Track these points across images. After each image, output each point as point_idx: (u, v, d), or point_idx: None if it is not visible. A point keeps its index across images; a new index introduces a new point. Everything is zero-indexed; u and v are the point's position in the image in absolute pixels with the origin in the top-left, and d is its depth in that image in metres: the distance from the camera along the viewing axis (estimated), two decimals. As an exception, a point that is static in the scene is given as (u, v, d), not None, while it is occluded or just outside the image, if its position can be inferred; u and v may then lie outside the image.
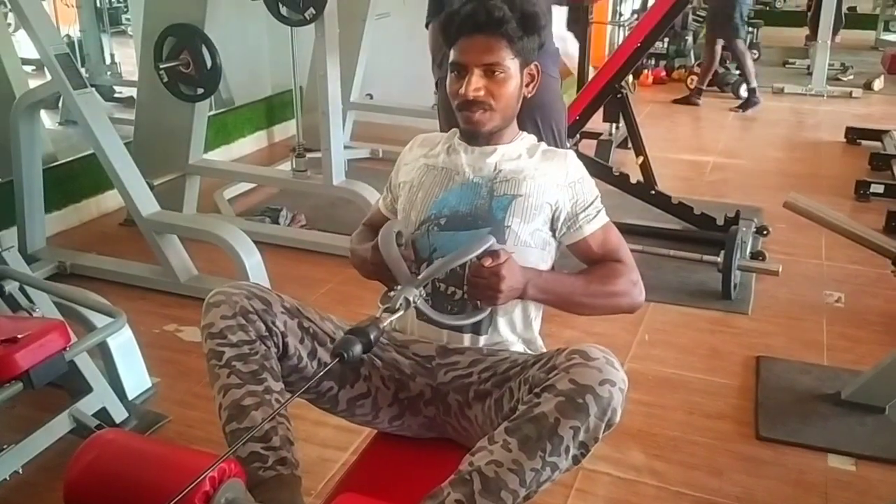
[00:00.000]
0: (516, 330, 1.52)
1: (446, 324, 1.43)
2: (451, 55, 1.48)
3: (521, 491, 1.18)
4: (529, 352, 1.53)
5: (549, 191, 1.49)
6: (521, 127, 1.61)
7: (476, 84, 1.43)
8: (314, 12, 3.17)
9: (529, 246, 1.48)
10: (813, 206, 2.43)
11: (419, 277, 1.36)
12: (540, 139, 1.83)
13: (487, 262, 1.32)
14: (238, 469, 1.02)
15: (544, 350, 1.56)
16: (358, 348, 1.18)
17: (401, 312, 1.28)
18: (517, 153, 1.54)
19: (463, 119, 1.50)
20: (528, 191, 1.48)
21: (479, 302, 1.38)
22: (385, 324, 1.24)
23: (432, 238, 1.49)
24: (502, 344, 1.51)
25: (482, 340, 1.49)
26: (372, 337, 1.20)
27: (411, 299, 1.30)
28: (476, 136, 1.52)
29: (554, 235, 1.52)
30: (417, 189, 1.55)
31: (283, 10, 3.28)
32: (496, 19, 1.42)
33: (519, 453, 1.18)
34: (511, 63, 1.45)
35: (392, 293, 1.32)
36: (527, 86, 1.52)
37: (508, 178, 1.50)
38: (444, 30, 1.50)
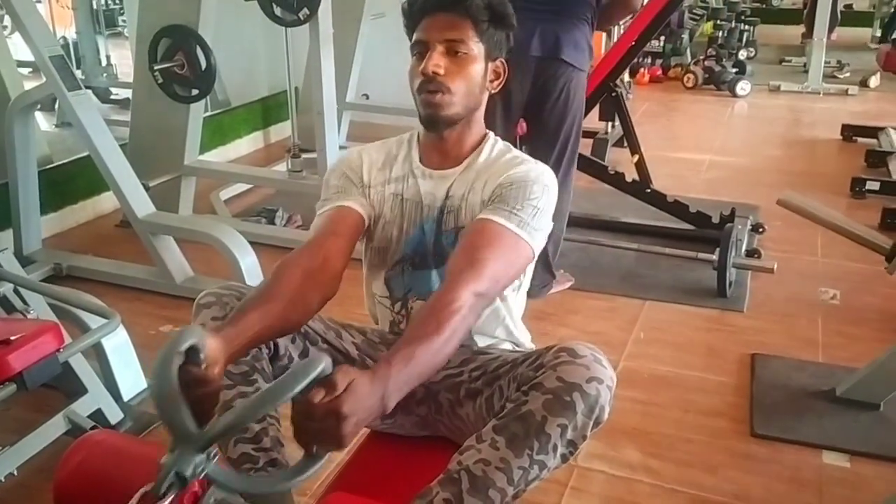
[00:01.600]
0: (503, 327, 1.52)
1: (266, 491, 1.02)
2: (414, 35, 1.40)
3: (509, 489, 1.18)
4: (518, 349, 1.52)
5: (481, 206, 1.39)
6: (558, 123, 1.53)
7: (436, 60, 1.35)
8: (308, 13, 3.18)
9: None
10: (807, 203, 2.44)
11: (209, 431, 0.91)
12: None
13: (318, 398, 0.96)
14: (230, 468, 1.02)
15: (533, 346, 1.56)
16: None
17: (168, 499, 0.88)
18: (472, 174, 1.44)
19: (421, 102, 1.40)
20: (466, 218, 1.40)
21: (315, 449, 0.98)
22: None
23: (407, 278, 1.47)
24: (492, 343, 1.50)
25: (470, 341, 1.49)
26: None
27: (190, 472, 0.89)
28: (436, 124, 1.41)
29: None
30: (391, 226, 1.48)
31: (277, 11, 3.29)
32: None
33: (506, 451, 1.18)
34: (475, 45, 1.38)
35: (165, 458, 0.90)
36: (491, 81, 1.45)
37: (453, 207, 1.43)
38: (406, 13, 1.42)
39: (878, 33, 8.91)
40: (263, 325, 1.21)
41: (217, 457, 0.92)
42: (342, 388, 0.97)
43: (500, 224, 1.32)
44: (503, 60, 1.46)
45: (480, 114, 1.48)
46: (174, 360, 0.96)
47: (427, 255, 1.46)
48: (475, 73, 1.40)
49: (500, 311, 1.51)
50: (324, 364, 0.95)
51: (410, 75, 1.41)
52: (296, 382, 0.92)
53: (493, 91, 1.47)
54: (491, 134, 1.52)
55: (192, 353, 1.00)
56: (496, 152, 1.48)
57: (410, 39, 1.42)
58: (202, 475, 0.90)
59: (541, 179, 1.39)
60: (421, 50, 1.39)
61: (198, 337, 1.01)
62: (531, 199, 1.35)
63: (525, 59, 2.61)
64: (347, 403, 0.96)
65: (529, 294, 1.59)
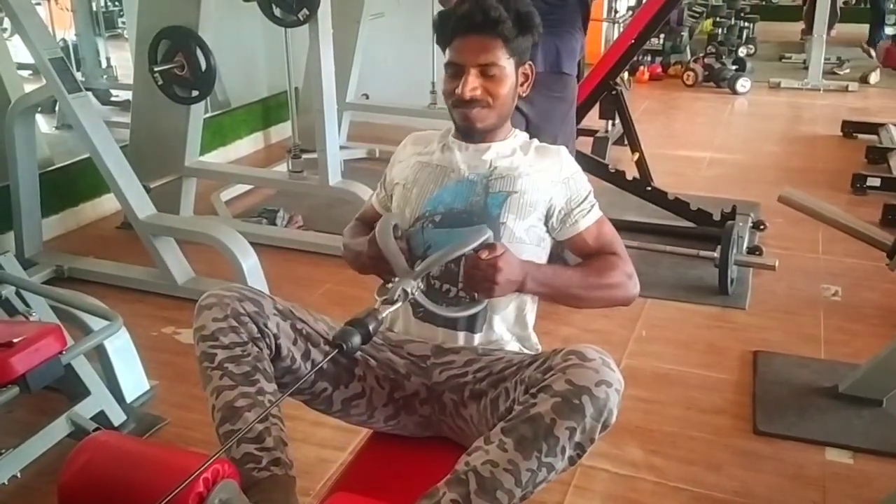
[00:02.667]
0: (511, 328, 1.53)
1: (443, 315, 1.43)
2: (447, 55, 1.48)
3: (516, 491, 1.18)
4: (525, 350, 1.53)
5: (543, 187, 1.50)
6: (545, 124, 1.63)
7: (472, 84, 1.44)
8: (307, 13, 3.17)
9: (524, 242, 1.48)
10: (807, 200, 2.44)
11: (416, 269, 1.36)
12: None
13: (484, 255, 1.32)
14: (232, 470, 1.02)
15: (539, 348, 1.56)
16: (357, 339, 1.18)
17: (399, 304, 1.29)
18: (511, 150, 1.55)
19: (459, 116, 1.51)
20: (522, 187, 1.49)
21: (476, 294, 1.38)
22: (384, 315, 1.24)
23: (427, 235, 1.49)
24: (497, 343, 1.51)
25: (477, 339, 1.50)
26: (371, 328, 1.20)
27: (409, 290, 1.30)
28: (472, 133, 1.52)
29: (548, 231, 1.53)
30: (412, 186, 1.55)
31: (277, 12, 3.29)
32: (492, 20, 1.42)
33: (515, 453, 1.18)
34: (506, 63, 1.46)
35: (389, 285, 1.32)
36: (521, 85, 1.53)
37: (504, 174, 1.50)
38: (438, 29, 1.50)
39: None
40: None
41: (421, 286, 1.33)
42: (501, 251, 1.33)
43: (601, 221, 1.55)
44: (531, 63, 1.53)
45: (510, 116, 1.56)
46: (391, 227, 1.42)
47: (452, 212, 1.49)
48: (508, 87, 1.49)
49: (509, 312, 1.53)
50: (489, 233, 1.36)
51: (445, 92, 1.50)
52: (470, 242, 1.34)
53: (523, 94, 1.55)
54: (516, 129, 1.60)
55: (395, 228, 1.45)
56: (524, 140, 1.60)
57: (443, 53, 1.50)
58: (415, 293, 1.30)
59: (578, 168, 1.57)
60: (455, 71, 1.47)
61: (398, 219, 1.48)
62: (587, 185, 1.56)
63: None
64: (503, 260, 1.33)
65: None
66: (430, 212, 1.50)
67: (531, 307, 1.56)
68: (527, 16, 1.47)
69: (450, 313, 1.43)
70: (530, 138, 1.61)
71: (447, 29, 1.47)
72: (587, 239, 1.53)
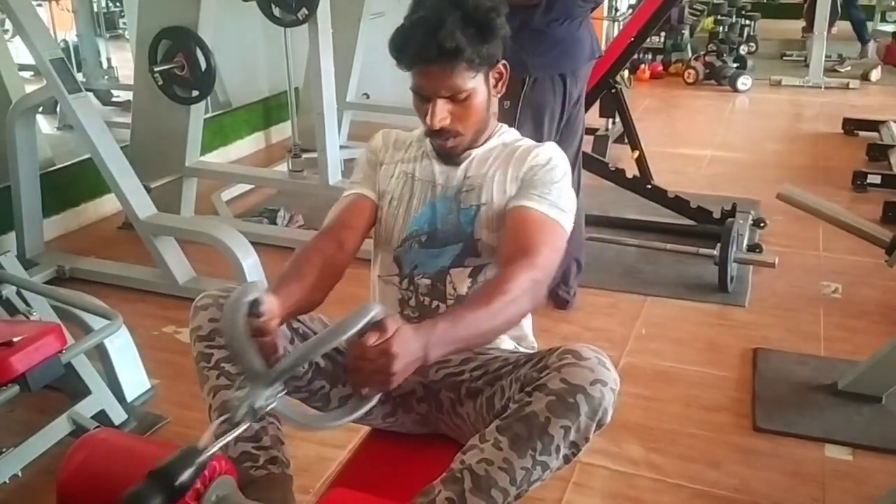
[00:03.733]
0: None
1: (321, 427, 1.20)
2: (411, 79, 1.39)
3: (511, 489, 1.19)
4: (521, 349, 1.52)
5: (508, 189, 1.43)
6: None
7: (441, 114, 1.37)
8: (307, 12, 3.18)
9: None
10: (806, 197, 2.44)
11: (276, 369, 1.03)
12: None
13: (372, 340, 1.06)
14: (229, 466, 1.03)
15: (536, 346, 1.56)
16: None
17: (242, 428, 0.99)
18: (488, 155, 1.48)
19: (433, 145, 1.47)
20: (489, 197, 1.43)
21: (365, 390, 1.09)
22: (211, 451, 0.96)
23: (414, 255, 1.48)
24: (493, 342, 1.50)
25: None
26: (180, 481, 0.89)
27: (258, 406, 1.00)
28: (451, 158, 1.48)
29: None
30: (398, 203, 1.51)
31: (276, 11, 3.30)
32: (449, 51, 1.31)
33: (510, 452, 1.18)
34: (474, 82, 1.37)
35: (237, 391, 1.01)
36: (495, 87, 1.44)
37: (473, 186, 1.45)
38: (395, 55, 1.37)
39: (879, 27, 8.91)
40: (300, 297, 1.31)
41: (282, 392, 1.03)
42: (392, 331, 1.06)
43: (535, 209, 1.38)
44: (503, 62, 1.44)
45: (492, 117, 1.49)
46: (241, 309, 1.08)
47: (436, 232, 1.47)
48: (480, 105, 1.41)
49: None
50: (376, 310, 1.06)
51: (417, 112, 1.43)
52: (351, 325, 1.03)
53: (498, 95, 1.47)
54: (503, 125, 1.55)
55: (255, 305, 1.12)
56: (510, 138, 1.53)
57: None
58: (269, 407, 1.01)
59: (559, 162, 1.45)
60: (421, 99, 1.40)
61: (259, 292, 1.13)
62: (555, 181, 1.42)
63: (587, 67, 2.67)
64: (397, 344, 1.06)
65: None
66: (417, 231, 1.48)
67: None
68: (487, 23, 1.34)
69: (329, 423, 1.13)
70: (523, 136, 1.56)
71: (403, 59, 1.36)
72: (517, 218, 1.38)
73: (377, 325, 1.06)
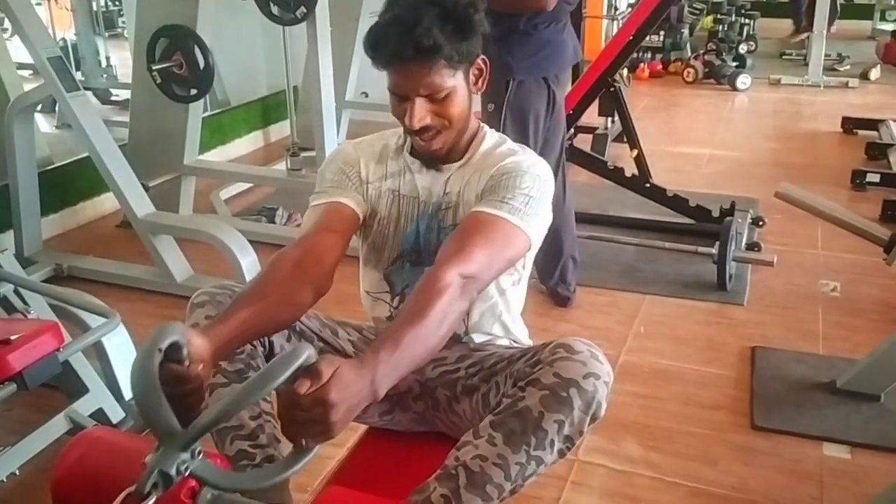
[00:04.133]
0: (500, 323, 1.52)
1: (260, 486, 0.94)
2: (388, 79, 1.33)
3: (506, 485, 1.18)
4: (516, 345, 1.52)
5: (476, 201, 1.37)
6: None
7: (420, 114, 1.32)
8: (305, 11, 3.18)
9: None
10: (804, 195, 2.44)
11: (192, 428, 0.89)
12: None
13: (304, 388, 0.94)
14: (225, 465, 1.02)
15: (531, 343, 1.56)
16: None
17: (152, 500, 0.85)
18: (468, 168, 1.44)
19: (415, 144, 1.41)
20: (463, 214, 1.39)
21: (304, 442, 0.95)
22: None
23: (406, 275, 1.47)
24: (489, 339, 1.50)
25: (463, 339, 1.48)
26: None
27: (174, 471, 0.86)
28: (432, 158, 1.43)
29: None
30: (388, 223, 1.47)
31: (275, 10, 3.29)
32: (426, 50, 1.26)
33: (504, 447, 1.18)
34: (453, 80, 1.32)
35: (147, 457, 0.88)
36: (475, 84, 1.39)
37: (450, 203, 1.42)
38: (370, 54, 1.32)
39: (879, 26, 8.90)
40: (254, 322, 1.20)
41: (201, 455, 0.89)
42: (327, 375, 0.95)
43: (490, 213, 1.31)
44: (483, 58, 1.39)
45: (471, 115, 1.44)
46: (154, 357, 0.94)
47: (420, 252, 1.45)
48: (460, 102, 1.36)
49: (497, 307, 1.50)
50: (307, 353, 0.93)
51: (395, 116, 1.37)
52: (279, 373, 0.90)
53: (479, 91, 1.41)
54: (485, 126, 1.50)
55: (175, 350, 0.99)
56: (491, 145, 1.46)
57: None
58: (187, 473, 0.87)
59: (532, 170, 1.37)
60: (399, 99, 1.34)
61: (179, 334, 0.99)
62: (522, 187, 1.34)
63: (569, 71, 2.68)
64: (334, 391, 0.95)
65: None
66: (407, 250, 1.47)
67: (511, 301, 1.51)
68: (466, 19, 1.30)
69: (266, 481, 0.93)
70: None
71: (380, 59, 1.31)
72: (464, 222, 1.34)
73: (309, 371, 0.94)
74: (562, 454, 1.21)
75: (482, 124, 1.50)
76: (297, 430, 0.95)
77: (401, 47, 1.26)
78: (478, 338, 1.50)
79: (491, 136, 1.49)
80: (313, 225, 1.40)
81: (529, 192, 1.34)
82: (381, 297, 1.53)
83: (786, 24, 8.86)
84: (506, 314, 1.52)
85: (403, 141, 1.50)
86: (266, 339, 1.39)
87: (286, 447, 1.35)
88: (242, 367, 1.35)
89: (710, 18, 7.80)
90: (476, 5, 1.32)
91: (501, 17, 2.28)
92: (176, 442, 0.88)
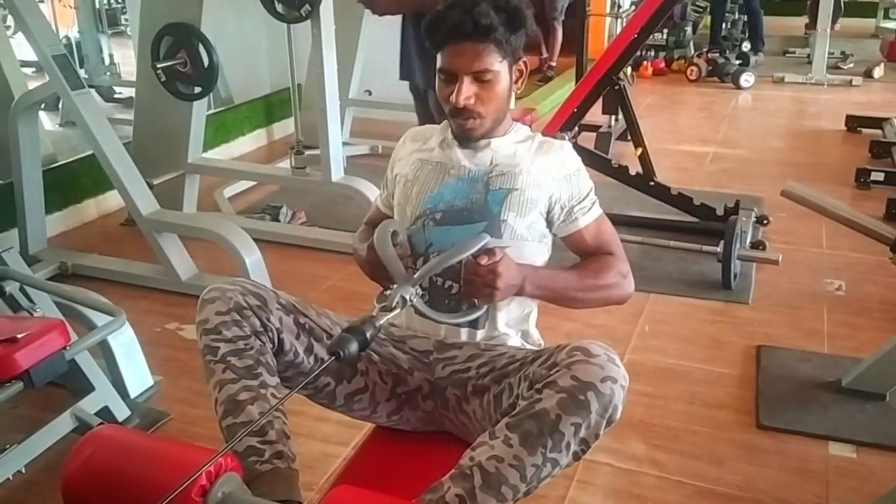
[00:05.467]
0: (514, 324, 1.52)
1: (444, 322, 1.43)
2: (439, 61, 1.46)
3: (521, 486, 1.19)
4: (527, 346, 1.53)
5: (545, 184, 1.48)
6: None
7: (467, 92, 1.42)
8: (309, 9, 3.18)
9: (526, 239, 1.47)
10: (810, 194, 2.43)
11: (415, 276, 1.35)
12: None
13: (484, 261, 1.32)
14: (235, 463, 1.03)
15: (542, 343, 1.57)
16: (354, 346, 1.17)
17: (397, 311, 1.28)
18: (512, 146, 1.52)
19: (455, 126, 1.50)
20: (523, 184, 1.47)
21: (475, 300, 1.37)
22: (381, 321, 1.23)
23: (428, 233, 1.49)
24: (500, 338, 1.51)
25: (479, 335, 1.49)
26: (368, 335, 1.19)
27: (407, 297, 1.30)
28: (469, 141, 1.51)
29: (550, 228, 1.52)
30: (412, 183, 1.54)
31: (279, 7, 3.29)
32: (484, 27, 1.39)
33: (520, 449, 1.18)
34: (500, 66, 1.43)
35: (388, 292, 1.32)
36: (516, 82, 1.50)
37: (504, 171, 1.49)
38: (429, 34, 1.46)
39: (883, 24, 8.89)
40: None
41: (420, 293, 1.33)
42: (500, 256, 1.33)
43: (594, 221, 1.53)
44: (524, 59, 1.50)
45: (508, 114, 1.53)
46: (388, 234, 1.39)
47: (453, 210, 1.48)
48: (503, 91, 1.46)
49: (529, 308, 1.55)
50: (487, 238, 1.36)
51: (440, 97, 1.48)
52: (469, 248, 1.34)
53: (518, 91, 1.55)
54: (516, 123, 1.58)
55: (394, 235, 1.41)
56: (524, 133, 1.57)
57: (434, 55, 1.47)
58: (413, 300, 1.31)
59: (580, 163, 1.55)
60: (448, 77, 1.44)
61: (396, 226, 1.45)
62: (588, 182, 1.55)
63: None
64: (502, 265, 1.33)
65: None
66: (431, 209, 1.50)
67: (532, 303, 1.56)
68: (517, 12, 1.43)
69: (450, 320, 1.43)
70: (532, 132, 1.60)
71: (438, 37, 1.44)
72: (586, 237, 1.52)
73: (488, 251, 1.34)
74: (577, 457, 1.22)
75: (515, 121, 1.58)
76: (474, 290, 1.35)
77: (461, 23, 1.39)
78: (489, 336, 1.50)
79: (522, 128, 1.58)
80: (371, 218, 1.70)
81: (591, 184, 1.56)
82: (404, 261, 1.55)
83: (788, 23, 8.86)
84: (519, 314, 1.53)
85: (445, 130, 1.58)
86: (276, 335, 1.41)
87: (295, 444, 1.37)
88: (252, 363, 1.36)
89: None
90: (524, 4, 1.45)
91: None
92: (407, 282, 1.32)
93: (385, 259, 1.38)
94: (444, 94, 1.46)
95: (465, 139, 1.51)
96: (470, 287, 1.35)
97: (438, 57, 1.46)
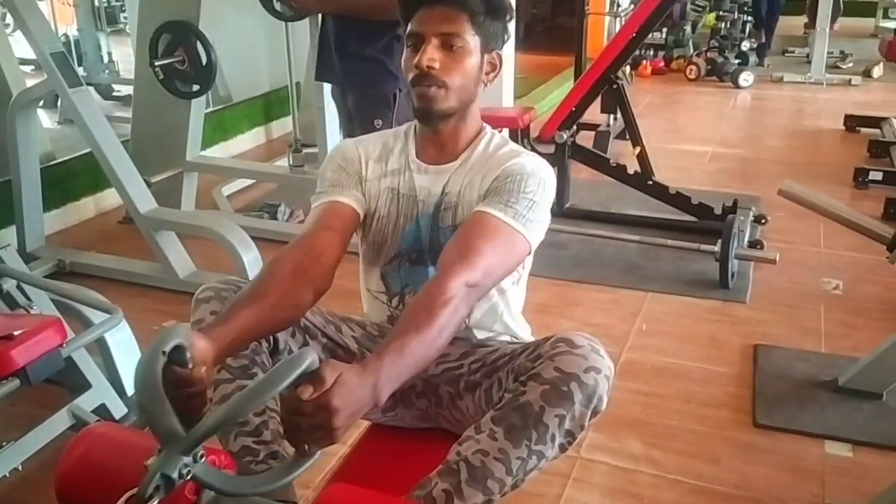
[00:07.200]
0: (501, 319, 1.51)
1: (256, 493, 0.94)
2: (409, 26, 1.38)
3: (507, 479, 1.19)
4: (517, 340, 1.52)
5: (478, 201, 1.37)
6: None
7: (431, 54, 1.33)
8: (308, 7, 3.16)
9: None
10: (807, 193, 2.44)
11: (195, 432, 0.89)
12: None
13: (307, 394, 0.95)
14: (229, 462, 1.02)
15: (532, 337, 1.56)
16: None
17: (155, 502, 0.86)
18: (467, 168, 1.43)
19: (416, 95, 1.38)
20: (463, 215, 1.39)
21: (307, 447, 0.96)
22: None
23: (403, 274, 1.46)
24: (491, 336, 1.50)
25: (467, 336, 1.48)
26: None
27: (176, 475, 0.87)
28: (430, 118, 1.39)
29: None
30: (386, 221, 1.47)
31: (277, 6, 3.29)
32: None
33: (505, 442, 1.18)
34: (471, 38, 1.36)
35: (149, 460, 0.88)
36: (487, 73, 1.42)
37: (450, 204, 1.42)
38: (402, 1, 1.39)
39: (882, 23, 8.89)
40: (254, 322, 1.20)
41: (203, 458, 0.90)
42: (331, 381, 0.96)
43: (494, 216, 1.31)
44: (499, 53, 1.44)
45: (476, 107, 1.45)
46: (158, 360, 0.96)
47: (423, 251, 1.45)
48: (470, 67, 1.37)
49: (498, 307, 1.50)
50: (310, 359, 0.93)
51: (405, 66, 1.39)
52: (282, 378, 0.91)
53: (487, 84, 1.44)
54: (487, 127, 1.50)
55: (178, 352, 1.00)
56: (493, 146, 1.46)
57: (405, 29, 1.40)
58: (189, 477, 0.88)
59: (537, 173, 1.38)
60: (416, 42, 1.36)
61: (182, 337, 1.00)
62: (527, 191, 1.34)
63: None
64: (337, 397, 0.95)
65: None
66: (406, 249, 1.46)
67: (511, 300, 1.52)
68: (499, 1, 1.38)
69: (266, 486, 0.93)
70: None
71: (410, 2, 1.38)
72: (467, 222, 1.34)
73: (312, 376, 0.95)
74: (563, 449, 1.22)
75: (486, 125, 1.50)
76: (300, 435, 0.96)
77: None
78: (480, 335, 1.50)
79: (493, 138, 1.48)
80: (312, 224, 1.40)
81: (533, 197, 1.35)
82: (379, 297, 1.53)
83: (787, 22, 8.85)
84: (507, 314, 1.52)
85: (404, 142, 1.50)
86: (270, 335, 1.39)
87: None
88: (247, 362, 1.35)
89: (712, 15, 7.78)
90: (506, 2, 1.40)
91: (384, 28, 2.22)
92: (178, 446, 0.88)
93: (141, 403, 0.94)
94: (409, 63, 1.36)
95: (427, 115, 1.39)
96: (294, 432, 0.97)
97: (409, 25, 1.38)
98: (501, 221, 1.31)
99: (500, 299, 1.49)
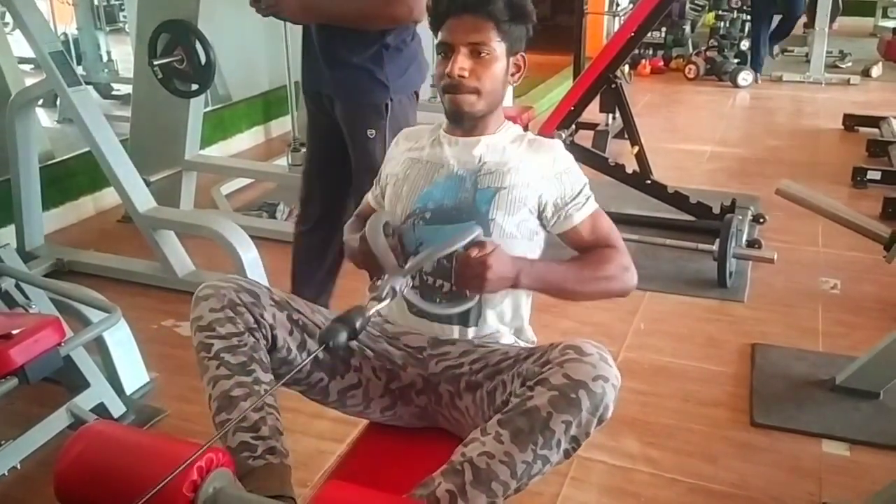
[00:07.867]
0: (505, 321, 1.53)
1: (434, 313, 1.44)
2: (439, 36, 1.48)
3: (511, 483, 1.19)
4: (520, 343, 1.53)
5: (533, 182, 1.48)
6: None
7: (462, 63, 1.43)
8: (307, 6, 3.16)
9: (515, 237, 1.47)
10: (805, 192, 2.44)
11: (406, 267, 1.36)
12: None
13: (474, 253, 1.31)
14: (227, 458, 1.03)
15: (535, 340, 1.57)
16: (343, 336, 1.18)
17: (387, 301, 1.28)
18: (502, 144, 1.53)
19: (448, 102, 1.49)
20: (511, 182, 1.47)
21: (467, 291, 1.38)
22: (371, 312, 1.23)
23: (418, 232, 1.49)
24: (492, 336, 1.51)
25: (471, 333, 1.50)
26: (357, 325, 1.20)
27: (398, 288, 1.30)
28: (461, 120, 1.51)
29: (542, 225, 1.52)
30: (402, 182, 1.54)
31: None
32: (484, 1, 1.42)
33: (511, 445, 1.19)
34: (497, 45, 1.45)
35: (379, 282, 1.32)
36: (512, 75, 1.52)
37: (492, 170, 1.49)
38: (431, 11, 1.51)
39: (881, 23, 8.88)
40: None
41: (411, 284, 1.35)
42: (490, 249, 1.32)
43: (597, 214, 1.53)
44: (523, 54, 1.53)
45: (501, 106, 1.55)
46: (381, 226, 1.41)
47: (442, 209, 1.49)
48: (498, 72, 1.47)
49: (521, 306, 1.55)
50: (478, 231, 1.37)
51: (436, 76, 1.49)
52: (460, 240, 1.34)
53: (514, 84, 1.55)
54: (508, 121, 1.59)
55: (386, 226, 1.44)
56: (517, 131, 1.58)
57: (435, 37, 1.49)
58: (404, 290, 1.32)
59: (571, 160, 1.55)
60: (446, 51, 1.46)
61: (389, 217, 1.49)
62: (581, 178, 1.53)
63: None
64: (493, 258, 1.31)
65: None
66: (421, 208, 1.50)
67: (526, 301, 1.56)
68: (519, 4, 1.46)
69: (439, 310, 1.44)
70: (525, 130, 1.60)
71: (440, 9, 1.47)
72: (582, 232, 1.52)
73: (479, 243, 1.34)
74: (567, 455, 1.23)
75: (507, 120, 1.59)
76: (465, 281, 1.35)
77: None
78: (483, 333, 1.51)
79: (514, 127, 1.59)
80: (362, 211, 1.72)
81: (583, 179, 1.55)
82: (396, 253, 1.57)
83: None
84: (512, 310, 1.53)
85: (437, 130, 1.59)
86: (270, 332, 1.42)
87: (289, 440, 1.38)
88: (245, 359, 1.37)
89: (711, 15, 7.78)
90: (527, 4, 1.49)
91: (371, 37, 2.22)
92: (398, 273, 1.33)
93: (376, 249, 1.38)
94: (440, 70, 1.47)
95: (459, 117, 1.50)
96: (460, 278, 1.35)
97: (438, 33, 1.48)
98: (601, 215, 1.54)
99: (525, 301, 1.55)
